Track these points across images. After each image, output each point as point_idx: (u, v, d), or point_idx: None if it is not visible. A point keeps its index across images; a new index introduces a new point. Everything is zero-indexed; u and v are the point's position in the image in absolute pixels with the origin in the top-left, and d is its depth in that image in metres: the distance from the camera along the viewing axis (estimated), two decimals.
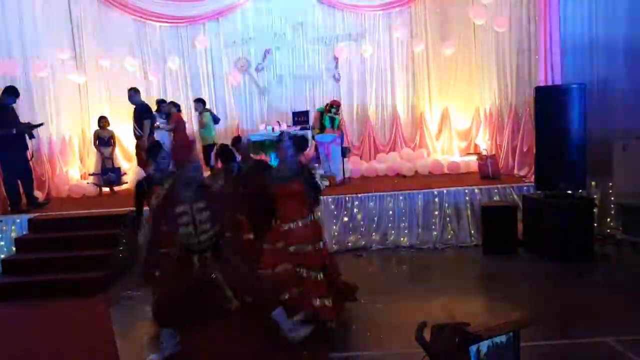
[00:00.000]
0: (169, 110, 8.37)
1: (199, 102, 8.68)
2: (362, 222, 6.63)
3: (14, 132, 6.65)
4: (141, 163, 7.68)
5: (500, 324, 2.27)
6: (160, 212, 3.54)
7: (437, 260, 6.15)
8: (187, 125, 8.70)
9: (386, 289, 5.22)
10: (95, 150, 8.63)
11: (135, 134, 7.69)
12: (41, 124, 7.31)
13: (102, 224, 6.43)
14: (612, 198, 6.47)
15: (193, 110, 9.06)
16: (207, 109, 8.74)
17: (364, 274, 5.76)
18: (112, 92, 9.30)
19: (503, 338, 2.23)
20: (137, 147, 7.73)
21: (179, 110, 8.51)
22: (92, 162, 8.85)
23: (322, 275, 4.04)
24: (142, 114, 7.52)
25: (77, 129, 9.04)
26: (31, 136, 7.02)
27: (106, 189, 8.36)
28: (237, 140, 5.53)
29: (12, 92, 6.71)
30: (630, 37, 6.58)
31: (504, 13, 7.67)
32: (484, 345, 2.15)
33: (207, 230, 3.47)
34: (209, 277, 3.50)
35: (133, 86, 7.79)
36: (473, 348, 2.12)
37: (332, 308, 4.02)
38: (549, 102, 5.84)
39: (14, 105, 6.80)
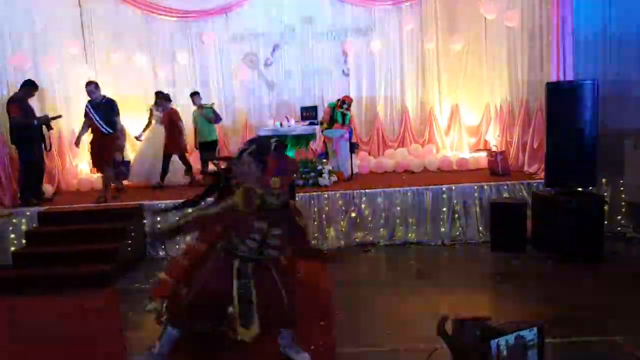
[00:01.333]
0: (165, 104, 8.11)
1: (198, 95, 8.29)
2: (369, 218, 6.62)
3: (35, 123, 6.78)
4: (102, 162, 7.05)
5: (523, 320, 2.27)
6: (235, 216, 3.14)
7: (445, 256, 6.14)
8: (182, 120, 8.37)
9: (393, 284, 5.22)
10: None
11: (100, 132, 6.90)
12: (59, 116, 7.40)
13: (111, 217, 6.48)
14: (623, 196, 6.40)
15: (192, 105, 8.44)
16: (205, 104, 8.24)
17: (371, 270, 5.77)
18: (120, 86, 9.34)
19: (526, 333, 2.21)
20: (103, 144, 6.96)
21: (170, 101, 8.25)
22: None
23: None
24: (112, 108, 6.97)
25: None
26: (49, 128, 7.13)
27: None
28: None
29: (30, 86, 6.84)
30: None
31: (515, 7, 7.59)
32: (505, 340, 2.14)
33: (274, 247, 3.21)
34: (249, 286, 3.20)
35: (92, 80, 7.19)
36: (494, 342, 2.12)
37: None
38: (560, 99, 5.76)
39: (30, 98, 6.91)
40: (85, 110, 6.96)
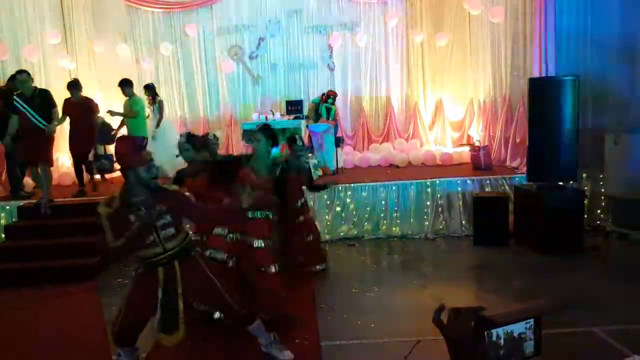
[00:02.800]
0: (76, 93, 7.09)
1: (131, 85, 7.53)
2: (354, 212, 6.65)
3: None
4: (47, 156, 6.33)
5: (520, 310, 2.27)
6: (113, 221, 3.20)
7: (428, 250, 6.19)
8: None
9: (377, 278, 5.25)
10: None
11: (36, 127, 6.10)
12: None
13: (92, 211, 6.34)
14: (603, 190, 6.53)
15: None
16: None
17: (356, 264, 5.79)
18: (103, 78, 9.20)
19: (521, 324, 2.22)
20: (38, 141, 6.18)
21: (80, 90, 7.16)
22: None
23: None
24: (47, 99, 6.27)
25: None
26: None
27: (97, 176, 8.29)
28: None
29: None
30: (624, 31, 6.58)
31: (499, 4, 7.65)
32: (500, 331, 2.15)
33: (173, 235, 3.09)
34: (175, 293, 3.11)
35: (22, 69, 6.41)
36: (490, 332, 2.13)
37: None
38: (542, 94, 5.84)
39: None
40: (15, 106, 6.13)
